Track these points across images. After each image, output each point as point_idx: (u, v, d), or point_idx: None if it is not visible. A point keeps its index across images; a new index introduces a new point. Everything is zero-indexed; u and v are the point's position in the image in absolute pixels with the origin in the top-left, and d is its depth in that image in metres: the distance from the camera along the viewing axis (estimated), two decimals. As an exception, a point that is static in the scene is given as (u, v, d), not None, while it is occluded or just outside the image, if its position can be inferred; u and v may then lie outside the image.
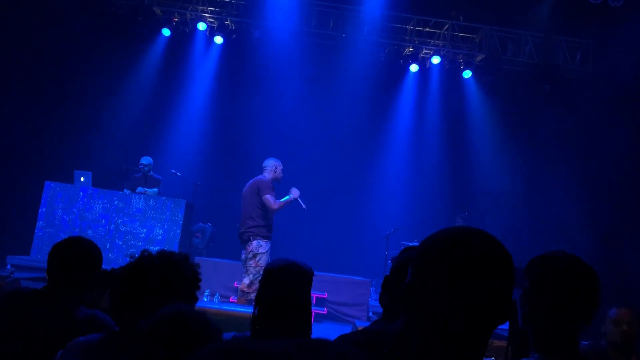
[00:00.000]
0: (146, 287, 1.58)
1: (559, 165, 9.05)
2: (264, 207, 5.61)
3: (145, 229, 7.35)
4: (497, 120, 10.20)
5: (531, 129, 9.69)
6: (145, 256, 1.65)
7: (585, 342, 3.45)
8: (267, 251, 5.56)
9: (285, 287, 1.93)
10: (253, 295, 5.40)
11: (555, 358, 1.31)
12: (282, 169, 5.93)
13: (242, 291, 5.47)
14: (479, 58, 10.01)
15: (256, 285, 5.40)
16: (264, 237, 5.57)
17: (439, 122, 10.58)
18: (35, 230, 7.35)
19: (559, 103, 9.36)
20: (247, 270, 5.53)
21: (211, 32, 10.11)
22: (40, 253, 7.19)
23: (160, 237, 7.33)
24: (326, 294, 7.48)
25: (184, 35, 10.13)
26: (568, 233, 7.92)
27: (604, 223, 8.12)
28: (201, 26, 9.90)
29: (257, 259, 5.49)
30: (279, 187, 6.06)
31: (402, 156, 10.76)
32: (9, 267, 6.88)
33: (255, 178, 5.81)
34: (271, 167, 5.85)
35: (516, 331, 2.01)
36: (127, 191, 7.73)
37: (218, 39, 10.05)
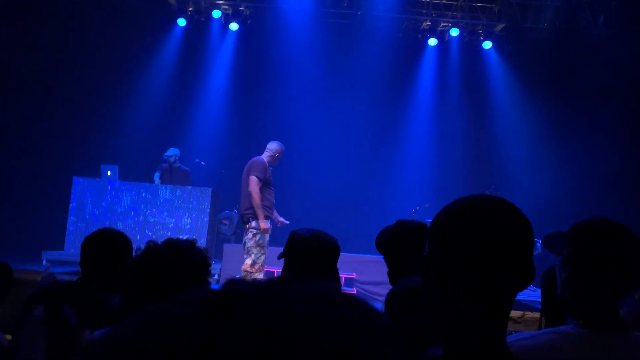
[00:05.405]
0: (155, 278, 1.58)
1: (591, 128, 8.84)
2: (260, 187, 5.55)
3: (173, 219, 7.46)
4: (520, 90, 10.00)
5: (557, 96, 9.48)
6: (151, 247, 1.65)
7: (621, 310, 3.37)
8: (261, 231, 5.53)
9: (311, 254, 1.89)
10: (256, 275, 5.46)
11: (595, 325, 1.28)
12: (281, 157, 5.88)
13: (245, 271, 5.48)
14: (499, 28, 9.79)
15: (258, 265, 5.46)
16: (263, 217, 5.54)
17: (460, 95, 10.42)
18: (67, 225, 7.51)
19: (585, 66, 9.12)
20: (248, 251, 5.52)
21: (226, 19, 10.10)
22: (73, 247, 7.35)
23: (188, 226, 7.43)
24: (354, 274, 7.51)
25: (200, 24, 10.14)
26: (607, 197, 7.77)
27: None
28: (216, 14, 9.90)
29: (257, 238, 5.50)
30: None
31: (425, 132, 10.65)
32: (44, 262, 7.07)
33: (253, 158, 5.76)
34: (272, 151, 5.79)
35: (549, 302, 1.99)
36: (157, 175, 7.86)
37: (233, 26, 10.04)
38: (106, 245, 2.06)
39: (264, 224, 5.48)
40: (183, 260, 1.61)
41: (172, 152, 8.06)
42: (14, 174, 8.81)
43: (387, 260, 1.99)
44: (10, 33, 8.68)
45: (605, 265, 1.30)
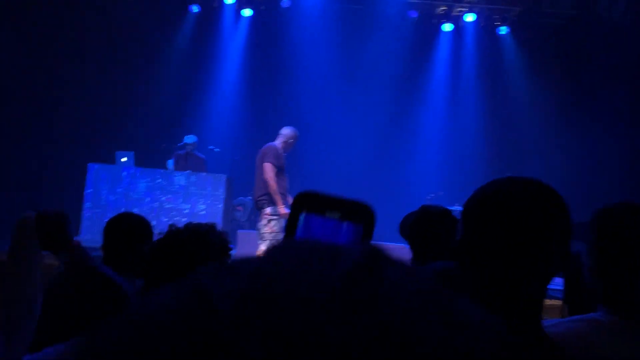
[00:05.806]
0: (175, 261, 1.58)
1: (608, 115, 8.72)
2: (275, 173, 5.53)
3: (188, 205, 7.49)
4: (537, 76, 9.87)
5: (574, 83, 9.35)
6: (173, 231, 1.66)
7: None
8: (279, 217, 5.50)
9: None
10: None
11: (626, 313, 1.26)
12: (294, 142, 5.85)
13: None
14: (515, 13, 9.64)
15: None
16: (281, 203, 5.53)
17: (476, 81, 10.31)
18: (83, 212, 7.57)
19: (603, 53, 8.97)
20: (262, 237, 5.53)
21: (239, 5, 10.06)
22: (89, 233, 7.39)
23: (203, 212, 7.46)
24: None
25: (213, 10, 10.11)
26: (624, 183, 7.69)
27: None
28: (229, -1, 9.88)
29: (271, 224, 5.48)
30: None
31: (439, 119, 10.56)
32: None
33: (266, 144, 5.74)
34: (285, 137, 5.76)
35: (572, 289, 1.97)
36: (170, 163, 7.87)
37: (246, 12, 10.01)
38: (128, 229, 2.09)
39: (284, 210, 5.47)
40: (203, 243, 1.62)
41: (192, 139, 7.99)
42: (30, 161, 8.90)
43: (412, 246, 2.01)
44: (23, 20, 8.72)
45: (632, 250, 1.28)
